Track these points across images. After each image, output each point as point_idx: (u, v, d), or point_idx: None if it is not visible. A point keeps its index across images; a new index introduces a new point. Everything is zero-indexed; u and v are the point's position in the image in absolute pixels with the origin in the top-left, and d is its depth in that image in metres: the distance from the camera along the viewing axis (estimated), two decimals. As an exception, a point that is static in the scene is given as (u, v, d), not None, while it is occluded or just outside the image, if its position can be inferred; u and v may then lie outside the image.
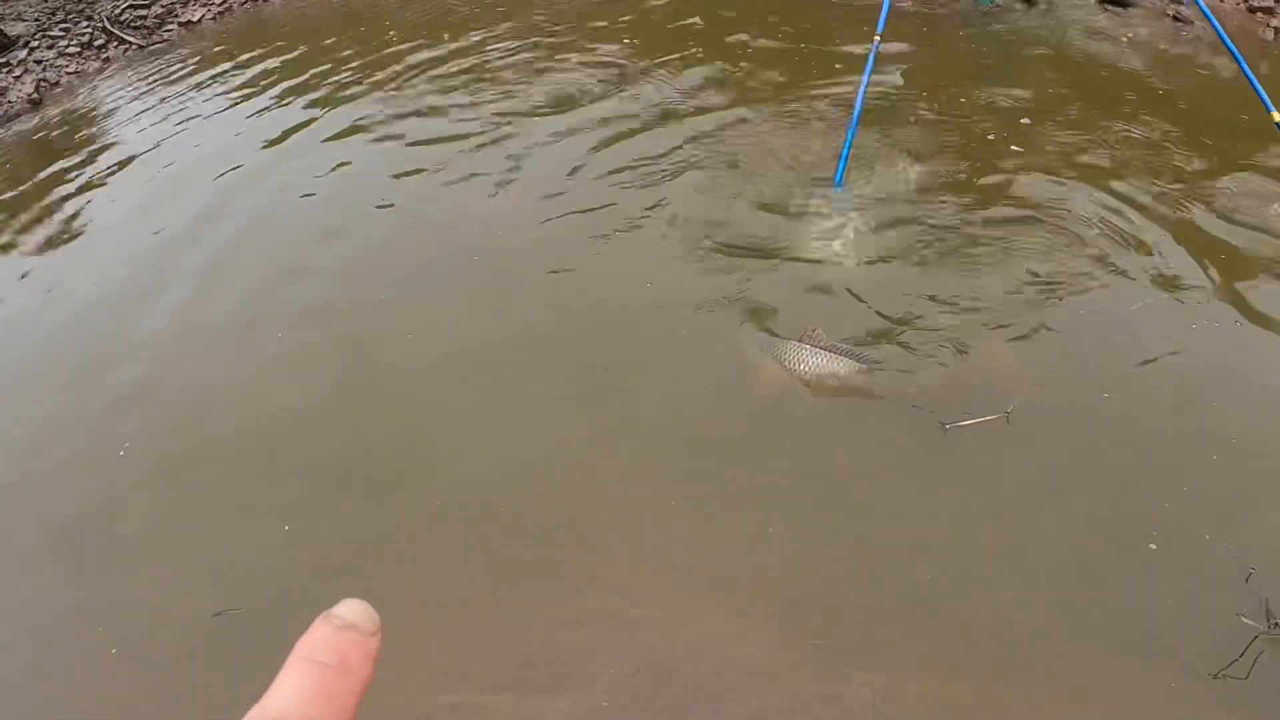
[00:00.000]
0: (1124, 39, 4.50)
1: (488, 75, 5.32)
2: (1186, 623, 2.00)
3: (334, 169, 4.63)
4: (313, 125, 5.21)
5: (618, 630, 2.08)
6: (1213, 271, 2.94)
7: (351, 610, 0.37)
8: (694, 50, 5.06)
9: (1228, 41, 3.20)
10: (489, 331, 3.16)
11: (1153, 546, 2.13)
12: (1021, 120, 3.86)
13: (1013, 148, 3.69)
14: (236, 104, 5.87)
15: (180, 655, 2.41)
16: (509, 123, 4.65)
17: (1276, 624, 1.99)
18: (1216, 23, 3.24)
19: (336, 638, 0.36)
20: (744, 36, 5.07)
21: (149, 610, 2.55)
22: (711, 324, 2.94)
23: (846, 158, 3.53)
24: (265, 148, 5.10)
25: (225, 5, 7.46)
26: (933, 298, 2.91)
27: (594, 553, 2.28)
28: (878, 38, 3.63)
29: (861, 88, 3.56)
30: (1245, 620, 1.99)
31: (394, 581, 2.37)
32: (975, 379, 2.53)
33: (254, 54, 6.65)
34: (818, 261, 3.13)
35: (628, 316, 3.05)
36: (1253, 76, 3.14)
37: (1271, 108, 3.11)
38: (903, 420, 2.44)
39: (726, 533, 2.27)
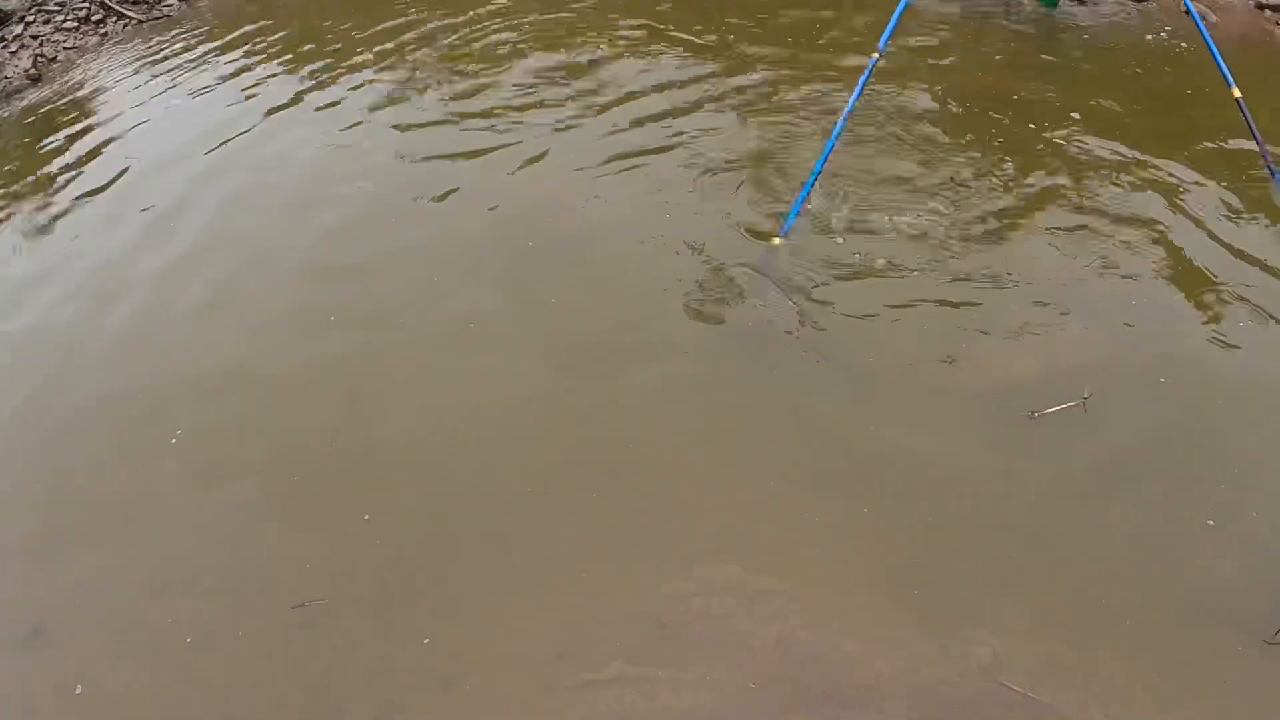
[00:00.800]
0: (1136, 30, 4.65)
1: (507, 51, 5.30)
2: (1243, 592, 2.19)
3: (343, 147, 4.60)
4: (319, 101, 5.16)
5: (743, 599, 2.21)
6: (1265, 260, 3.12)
7: None
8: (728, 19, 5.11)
9: (1196, 17, 3.52)
10: (555, 317, 3.23)
11: (1210, 523, 2.32)
12: (1071, 114, 3.98)
13: (1057, 135, 3.83)
14: (238, 81, 5.75)
15: (258, 646, 2.41)
16: (529, 98, 4.69)
17: (1325, 590, 2.17)
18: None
19: None
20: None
21: (224, 600, 2.55)
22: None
23: (804, 199, 3.26)
24: (269, 128, 5.02)
25: (225, -21, 7.30)
26: (984, 285, 3.06)
27: (698, 532, 2.40)
28: (877, 54, 3.44)
29: (846, 109, 3.37)
30: (1298, 588, 2.18)
31: (497, 566, 2.45)
32: (1041, 367, 2.69)
33: (257, 29, 6.52)
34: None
35: (702, 305, 3.15)
36: (1216, 51, 3.40)
37: (1232, 83, 3.39)
38: (983, 408, 2.61)
39: (822, 513, 2.41)
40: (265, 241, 3.98)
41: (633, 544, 2.41)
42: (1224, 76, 3.38)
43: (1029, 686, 2.01)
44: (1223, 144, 3.74)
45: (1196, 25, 3.50)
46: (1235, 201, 3.40)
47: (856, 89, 3.43)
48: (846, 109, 3.40)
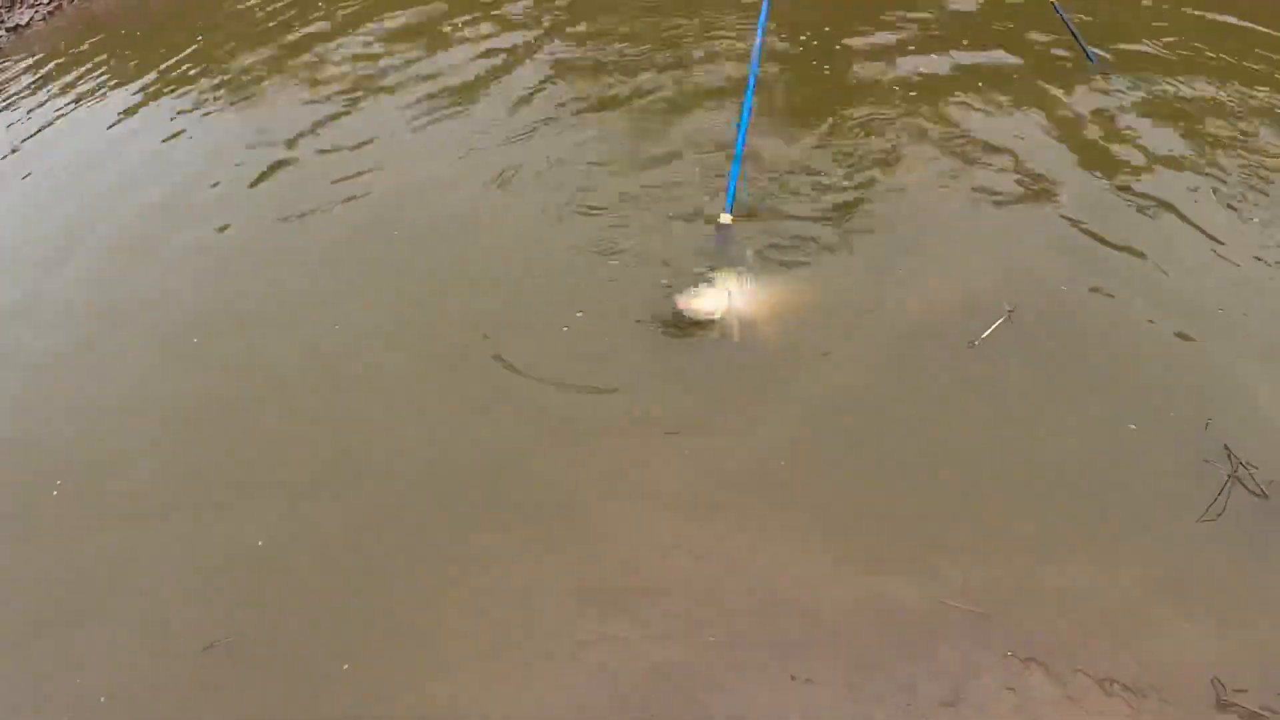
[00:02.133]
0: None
1: (366, 54, 5.09)
2: (1174, 483, 2.26)
3: (194, 178, 4.30)
4: (159, 135, 4.82)
5: (700, 556, 2.19)
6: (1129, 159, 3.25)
7: None
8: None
9: None
10: (441, 313, 3.11)
11: (1132, 427, 2.39)
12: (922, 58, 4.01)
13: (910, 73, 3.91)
14: (73, 118, 5.34)
15: (179, 692, 2.23)
16: (377, 98, 4.57)
17: (1241, 464, 2.24)
18: None
19: None
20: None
21: (135, 651, 2.35)
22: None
23: (736, 176, 3.10)
24: (115, 165, 4.64)
25: (55, 4, 6.76)
26: (885, 229, 3.07)
27: (635, 499, 2.36)
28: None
29: (753, 62, 3.36)
30: (1217, 466, 2.25)
31: (409, 578, 2.34)
32: (961, 297, 2.74)
33: (93, 56, 6.08)
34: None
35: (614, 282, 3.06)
36: None
37: None
38: (919, 342, 2.63)
39: (776, 466, 2.38)
40: (124, 280, 3.74)
41: (581, 524, 2.33)
42: None
43: (985, 605, 2.02)
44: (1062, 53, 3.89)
45: None
46: (1087, 102, 3.58)
47: (756, 44, 3.46)
48: (753, 62, 3.40)
